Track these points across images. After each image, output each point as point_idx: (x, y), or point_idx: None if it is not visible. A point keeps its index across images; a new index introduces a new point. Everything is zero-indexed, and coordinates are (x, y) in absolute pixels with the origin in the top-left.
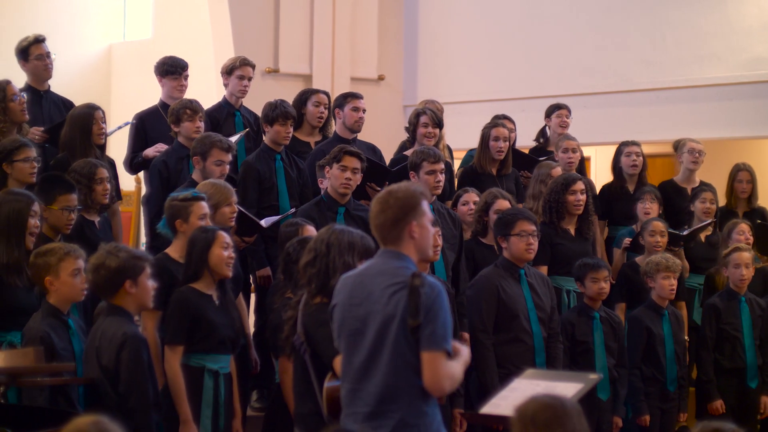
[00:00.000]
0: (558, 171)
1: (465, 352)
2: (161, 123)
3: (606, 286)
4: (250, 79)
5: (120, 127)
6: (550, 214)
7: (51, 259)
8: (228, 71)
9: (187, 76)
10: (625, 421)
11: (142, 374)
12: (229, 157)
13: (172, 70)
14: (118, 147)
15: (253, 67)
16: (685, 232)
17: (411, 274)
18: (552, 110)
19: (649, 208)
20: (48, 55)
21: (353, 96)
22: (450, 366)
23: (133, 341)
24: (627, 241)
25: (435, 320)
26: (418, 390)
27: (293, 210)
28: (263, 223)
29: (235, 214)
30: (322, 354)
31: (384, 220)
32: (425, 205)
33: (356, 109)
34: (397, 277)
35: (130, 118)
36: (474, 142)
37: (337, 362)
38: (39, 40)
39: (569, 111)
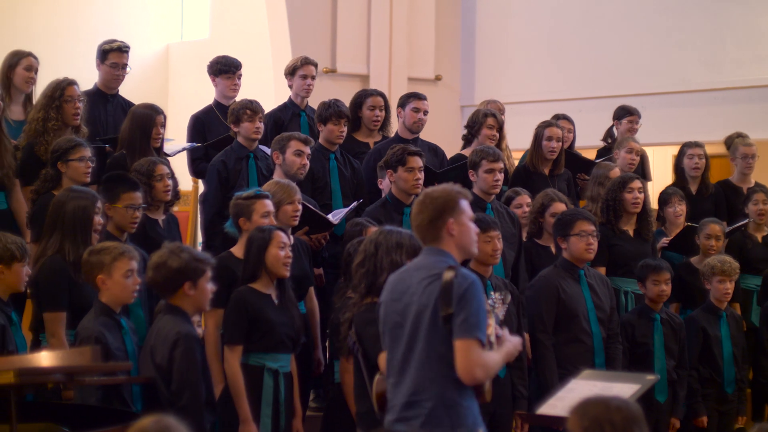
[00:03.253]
0: (616, 172)
1: (511, 343)
2: (216, 122)
3: (667, 288)
4: (313, 77)
5: (184, 149)
6: (607, 214)
7: (105, 257)
8: (291, 72)
9: (241, 75)
10: (682, 423)
11: (195, 373)
12: (308, 150)
13: (225, 69)
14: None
15: (316, 65)
16: (727, 230)
17: (446, 267)
18: (624, 114)
19: (679, 210)
20: (123, 66)
21: (416, 96)
22: (484, 355)
23: (186, 340)
24: (665, 240)
25: (467, 309)
26: (451, 381)
27: (357, 202)
28: (331, 217)
29: (298, 213)
30: (369, 352)
31: (422, 221)
32: (464, 204)
33: (416, 110)
34: (432, 270)
35: (187, 117)
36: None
37: (381, 358)
38: (121, 50)
39: (639, 117)
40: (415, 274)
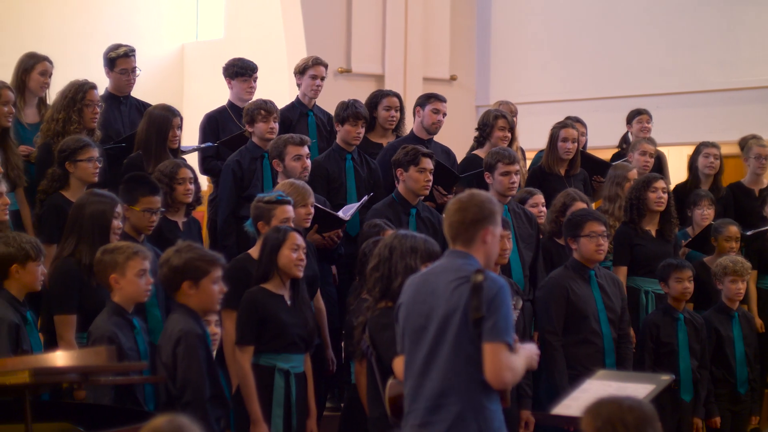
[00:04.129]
0: (634, 173)
1: (528, 347)
2: (230, 123)
3: (690, 286)
4: (322, 78)
5: (198, 148)
6: (630, 213)
7: (119, 257)
8: (300, 71)
9: (257, 78)
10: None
11: (197, 369)
12: (306, 150)
13: (241, 72)
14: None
15: (326, 66)
16: (749, 233)
17: (474, 270)
18: (633, 116)
19: (707, 214)
20: (133, 70)
21: (436, 98)
22: (512, 359)
23: (188, 337)
24: (683, 244)
25: (497, 313)
26: (478, 384)
27: (368, 196)
28: (341, 214)
29: (310, 216)
30: (383, 356)
31: (462, 218)
32: (499, 219)
33: (436, 111)
34: (460, 272)
35: (201, 116)
36: (545, 143)
37: (397, 363)
38: (128, 55)
39: (650, 116)
40: (442, 276)
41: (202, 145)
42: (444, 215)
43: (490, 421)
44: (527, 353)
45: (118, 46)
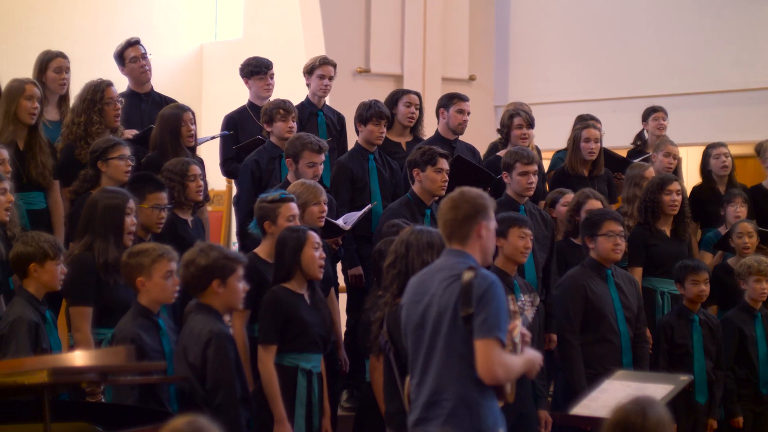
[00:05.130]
0: (651, 172)
1: (531, 353)
2: (250, 123)
3: (706, 288)
4: (331, 78)
5: (213, 137)
6: (645, 215)
7: (144, 259)
8: (308, 71)
9: (273, 74)
10: (719, 423)
11: (228, 371)
12: (321, 158)
13: (257, 70)
14: (208, 146)
15: (334, 66)
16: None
17: (466, 267)
18: (648, 113)
19: (740, 211)
20: (144, 56)
21: (459, 98)
22: (505, 355)
23: (219, 338)
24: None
25: (487, 309)
26: (471, 381)
27: (371, 205)
28: (341, 222)
29: (324, 214)
30: (401, 351)
31: (454, 216)
32: (493, 213)
33: (461, 112)
34: (453, 271)
35: (221, 117)
36: (564, 143)
37: None
38: (132, 43)
39: (665, 113)
40: (437, 275)
41: (216, 134)
42: (438, 215)
43: (484, 417)
44: (529, 358)
45: (121, 42)
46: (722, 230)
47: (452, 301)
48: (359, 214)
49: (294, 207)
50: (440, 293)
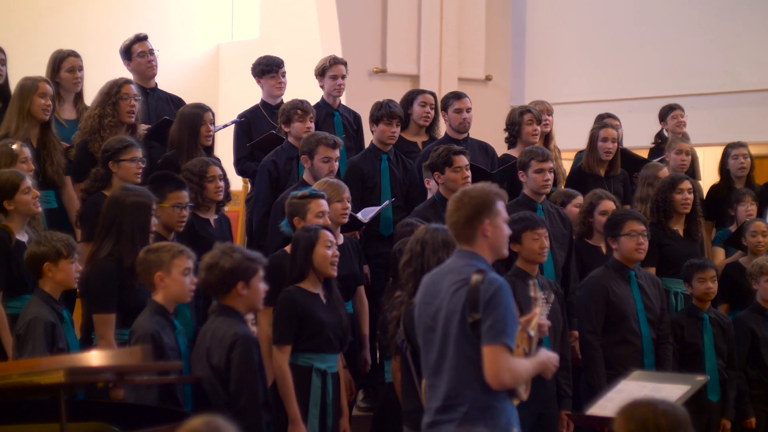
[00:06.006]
0: (665, 172)
1: (545, 354)
2: (263, 122)
3: (713, 286)
4: (343, 77)
5: (226, 125)
6: (657, 214)
7: (164, 255)
8: (320, 73)
9: (284, 72)
10: (731, 424)
11: (253, 374)
12: (336, 153)
13: (268, 69)
14: (222, 145)
15: (345, 64)
16: None
17: (474, 270)
18: (666, 112)
19: (750, 210)
20: (151, 52)
21: (455, 97)
22: (512, 361)
23: (244, 341)
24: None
25: (493, 314)
26: (483, 384)
27: (389, 201)
28: (360, 216)
29: (347, 211)
30: (418, 350)
31: (458, 219)
32: (500, 206)
33: (458, 111)
34: (461, 274)
35: (236, 116)
36: (581, 143)
37: None
38: (140, 38)
39: (683, 110)
40: (446, 277)
41: (228, 122)
42: (445, 216)
43: (497, 419)
44: (541, 360)
45: (128, 37)
46: (732, 229)
47: (459, 306)
48: (377, 209)
49: (324, 204)
50: (448, 298)
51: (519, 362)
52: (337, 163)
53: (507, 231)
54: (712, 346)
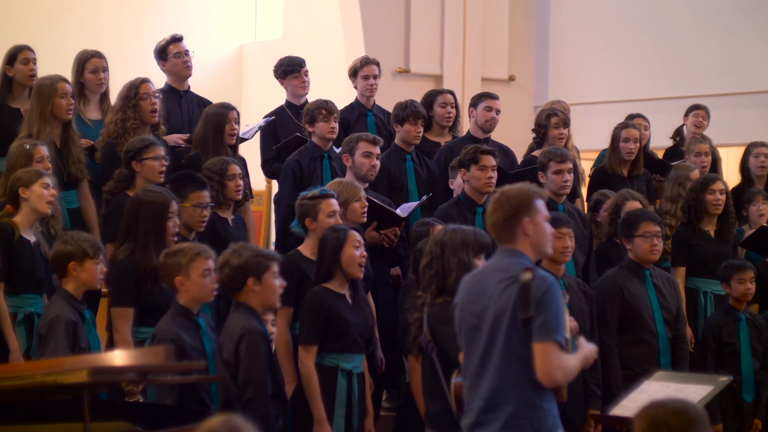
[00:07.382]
0: (696, 173)
1: (586, 346)
2: (289, 122)
3: (752, 287)
4: (376, 77)
5: (260, 126)
6: (688, 214)
7: (182, 259)
8: (353, 73)
9: (307, 71)
10: (763, 423)
11: (259, 366)
12: (377, 150)
13: (290, 69)
14: (248, 144)
15: (377, 64)
16: None
17: (523, 268)
18: (690, 110)
19: (763, 209)
20: (186, 53)
21: (488, 96)
22: (563, 358)
23: (251, 334)
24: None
25: (546, 311)
26: (530, 383)
27: (427, 196)
28: (399, 211)
29: (365, 209)
30: (448, 350)
31: (497, 219)
32: (539, 204)
33: (489, 109)
34: (509, 272)
35: (260, 117)
36: (604, 143)
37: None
38: (176, 39)
39: (707, 113)
40: (492, 276)
41: (261, 122)
42: (486, 219)
43: (544, 419)
44: (585, 354)
45: (163, 38)
46: (746, 228)
47: (510, 303)
48: (414, 204)
49: (334, 203)
50: (497, 295)
51: (569, 359)
52: (378, 161)
53: (549, 229)
54: (748, 345)
